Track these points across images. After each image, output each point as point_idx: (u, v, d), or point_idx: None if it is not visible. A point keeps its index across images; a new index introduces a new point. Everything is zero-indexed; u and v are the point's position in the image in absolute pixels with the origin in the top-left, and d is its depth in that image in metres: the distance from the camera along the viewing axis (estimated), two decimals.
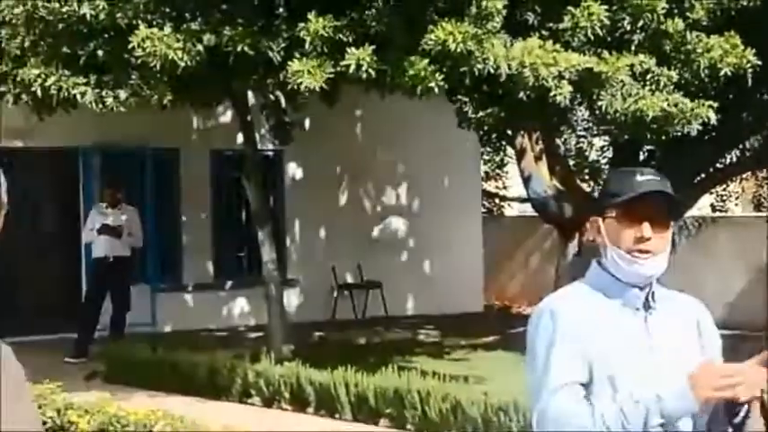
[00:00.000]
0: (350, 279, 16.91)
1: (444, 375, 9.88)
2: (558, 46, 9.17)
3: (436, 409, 8.93)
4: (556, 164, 13.89)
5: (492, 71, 8.93)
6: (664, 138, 10.10)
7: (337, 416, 9.61)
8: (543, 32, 9.54)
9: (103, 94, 9.55)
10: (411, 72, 9.03)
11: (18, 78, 9.66)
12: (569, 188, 13.63)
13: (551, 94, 9.03)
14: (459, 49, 8.76)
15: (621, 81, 9.39)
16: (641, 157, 13.80)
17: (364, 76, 8.95)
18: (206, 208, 16.05)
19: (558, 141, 16.75)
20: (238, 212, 16.07)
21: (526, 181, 13.64)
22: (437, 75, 9.05)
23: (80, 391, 9.29)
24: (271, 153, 15.85)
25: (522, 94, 9.14)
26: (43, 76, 9.55)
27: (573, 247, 13.04)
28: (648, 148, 13.82)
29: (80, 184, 15.14)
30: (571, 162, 17.70)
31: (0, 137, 13.47)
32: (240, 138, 13.36)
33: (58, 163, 15.25)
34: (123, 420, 7.67)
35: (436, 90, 9.27)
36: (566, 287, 2.93)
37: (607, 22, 9.34)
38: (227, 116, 15.46)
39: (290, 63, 9.21)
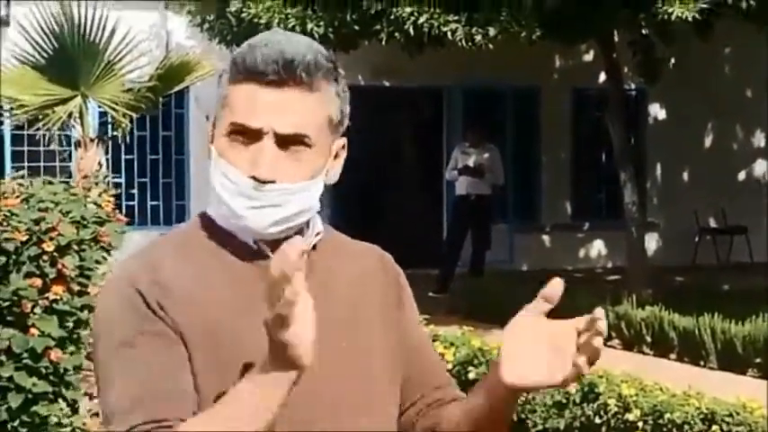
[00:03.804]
0: (713, 223, 16.30)
1: None
2: None
3: None
4: None
5: None
6: None
7: (702, 363, 9.29)
8: None
9: (473, 31, 9.61)
10: None
11: (392, 17, 9.88)
12: None
13: None
14: None
15: None
16: None
17: (744, 5, 8.49)
18: (566, 147, 15.93)
19: None
20: (598, 152, 15.84)
21: None
22: None
23: (442, 325, 9.48)
24: (634, 92, 15.47)
25: None
26: (416, 14, 9.72)
27: None
28: None
29: (443, 122, 15.43)
30: None
31: (369, 75, 13.93)
32: (602, 76, 13.10)
33: (422, 102, 15.62)
34: (487, 354, 7.74)
35: None
36: None
37: None
38: (588, 54, 15.24)
39: None
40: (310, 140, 1.75)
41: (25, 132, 11.39)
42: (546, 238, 15.89)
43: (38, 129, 8.64)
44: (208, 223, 1.82)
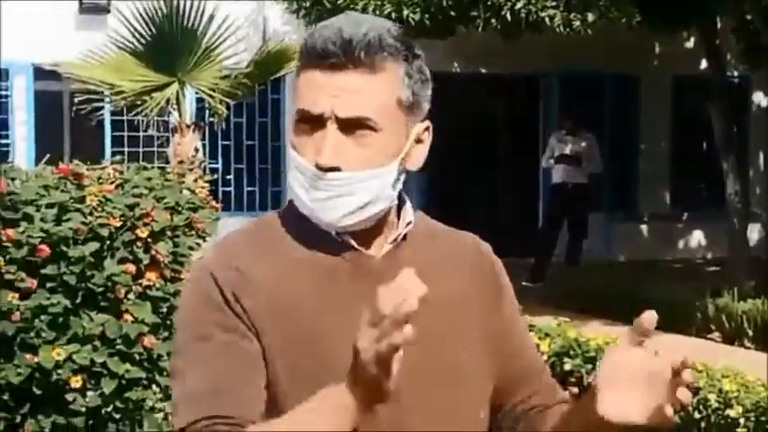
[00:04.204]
0: None
1: None
2: None
3: None
4: None
5: None
6: None
7: None
8: None
9: (571, 16, 9.46)
10: None
11: (488, 2, 9.77)
12: None
13: None
14: None
15: None
16: None
17: None
18: (665, 136, 15.61)
19: None
20: (699, 141, 15.49)
21: None
22: None
23: (536, 315, 9.37)
24: (737, 79, 15.10)
25: None
26: None
27: None
28: None
29: (539, 109, 15.26)
30: None
31: (465, 62, 13.84)
32: (704, 63, 12.81)
33: (518, 88, 15.45)
34: (584, 346, 7.61)
35: None
36: None
37: None
38: (689, 41, 14.91)
39: None
40: (375, 124, 1.66)
41: (125, 118, 11.53)
42: (644, 227, 15.61)
43: (136, 114, 8.75)
44: (294, 212, 1.75)
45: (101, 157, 13.41)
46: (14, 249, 4.15)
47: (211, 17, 8.48)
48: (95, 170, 4.93)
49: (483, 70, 14.62)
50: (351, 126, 1.65)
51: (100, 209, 4.38)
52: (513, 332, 1.87)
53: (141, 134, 12.54)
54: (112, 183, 4.60)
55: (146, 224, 4.41)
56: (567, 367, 6.97)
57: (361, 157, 1.66)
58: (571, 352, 7.21)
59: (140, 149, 12.86)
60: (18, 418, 4.30)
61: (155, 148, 12.61)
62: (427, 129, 1.76)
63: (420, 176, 14.53)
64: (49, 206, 4.28)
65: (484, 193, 14.85)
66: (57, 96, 13.56)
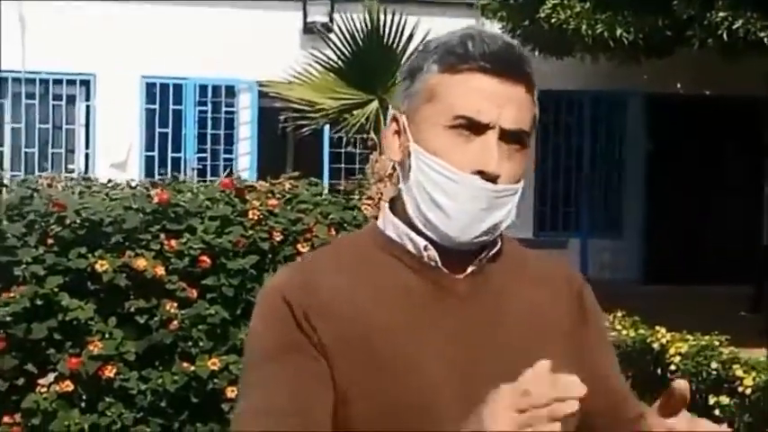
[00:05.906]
0: None
1: None
2: None
3: None
4: None
5: None
6: None
7: None
8: None
9: None
10: None
11: (705, 22, 9.40)
12: None
13: None
14: None
15: None
16: None
17: None
18: None
19: None
20: None
21: None
22: None
23: (749, 347, 8.94)
24: None
25: None
26: (730, 18, 9.20)
27: None
28: None
29: (765, 134, 14.61)
30: None
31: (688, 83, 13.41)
32: None
33: (743, 112, 14.86)
34: None
35: None
36: None
37: None
38: None
39: None
40: (527, 140, 1.64)
41: (343, 135, 11.78)
42: None
43: (337, 131, 8.89)
44: (374, 231, 1.72)
45: (320, 171, 13.73)
46: (176, 260, 4.26)
47: (410, 36, 8.51)
48: (274, 185, 5.01)
49: (707, 92, 14.08)
50: (508, 138, 1.62)
51: (263, 223, 4.44)
52: (601, 358, 1.78)
53: (358, 150, 12.77)
54: (280, 197, 4.66)
55: (307, 239, 4.44)
56: None
57: (511, 170, 1.63)
58: None
59: (356, 165, 13.08)
60: (176, 425, 4.39)
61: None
62: None
63: (639, 196, 14.16)
64: (213, 218, 4.37)
65: (704, 216, 14.36)
66: (280, 113, 13.98)
